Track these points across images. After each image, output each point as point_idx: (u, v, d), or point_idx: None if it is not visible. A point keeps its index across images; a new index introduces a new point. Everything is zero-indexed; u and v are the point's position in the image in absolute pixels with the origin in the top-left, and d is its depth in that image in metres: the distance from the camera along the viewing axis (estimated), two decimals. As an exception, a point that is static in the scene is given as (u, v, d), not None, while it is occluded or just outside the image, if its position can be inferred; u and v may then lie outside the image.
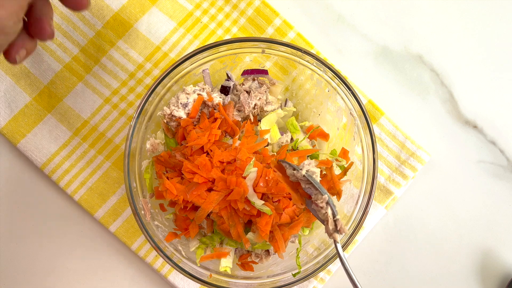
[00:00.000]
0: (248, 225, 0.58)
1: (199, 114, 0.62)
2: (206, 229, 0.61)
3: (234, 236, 0.57)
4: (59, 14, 0.69)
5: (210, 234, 0.61)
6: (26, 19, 0.47)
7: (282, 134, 0.64)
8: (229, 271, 0.60)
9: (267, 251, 0.63)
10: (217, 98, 0.62)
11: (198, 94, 0.61)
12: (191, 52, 0.59)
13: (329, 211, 0.52)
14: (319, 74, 0.62)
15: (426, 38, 0.72)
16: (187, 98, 0.60)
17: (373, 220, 0.70)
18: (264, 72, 0.65)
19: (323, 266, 0.59)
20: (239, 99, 0.63)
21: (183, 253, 0.61)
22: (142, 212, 0.60)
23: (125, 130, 0.70)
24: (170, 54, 0.70)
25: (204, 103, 0.62)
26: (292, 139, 0.65)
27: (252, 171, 0.55)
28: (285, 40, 0.70)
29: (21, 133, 0.68)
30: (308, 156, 0.62)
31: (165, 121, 0.61)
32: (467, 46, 0.73)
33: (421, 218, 0.71)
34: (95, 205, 0.69)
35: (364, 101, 0.70)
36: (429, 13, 0.73)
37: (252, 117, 0.63)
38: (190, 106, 0.60)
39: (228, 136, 0.61)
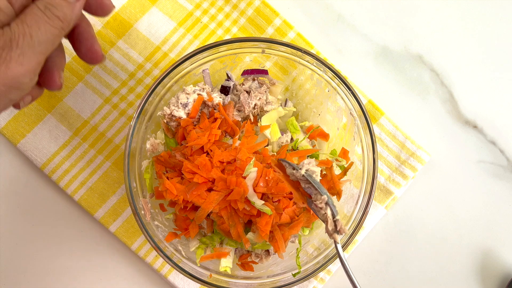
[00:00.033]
0: (248, 225, 0.58)
1: (199, 114, 0.62)
2: (206, 229, 0.61)
3: (234, 236, 0.57)
4: (59, 14, 0.69)
5: (210, 234, 0.61)
6: None
7: (282, 134, 0.64)
8: (229, 271, 0.60)
9: (267, 251, 0.63)
10: (217, 98, 0.62)
11: (198, 94, 0.61)
12: (191, 52, 0.59)
13: (329, 212, 0.51)
14: (319, 74, 0.62)
15: (426, 38, 0.72)
16: (187, 98, 0.60)
17: (373, 220, 0.70)
18: (264, 72, 0.65)
19: (323, 266, 0.59)
20: (239, 99, 0.63)
21: (183, 253, 0.61)
22: (142, 212, 0.60)
23: (125, 130, 0.70)
24: (170, 54, 0.70)
25: (204, 103, 0.62)
26: (292, 139, 0.65)
27: (252, 171, 0.55)
28: (285, 40, 0.70)
29: (21, 133, 0.68)
30: (308, 156, 0.62)
31: (165, 121, 0.61)
32: (467, 46, 0.73)
33: (421, 218, 0.71)
34: (95, 205, 0.69)
35: (364, 101, 0.70)
36: (429, 13, 0.73)
37: (252, 117, 0.63)
38: (190, 106, 0.60)
39: (228, 136, 0.61)
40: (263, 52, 0.61)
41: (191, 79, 0.63)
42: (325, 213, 0.51)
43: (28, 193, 0.70)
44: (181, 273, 0.58)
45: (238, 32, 0.71)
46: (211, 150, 0.57)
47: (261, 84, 0.64)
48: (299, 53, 0.60)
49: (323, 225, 0.64)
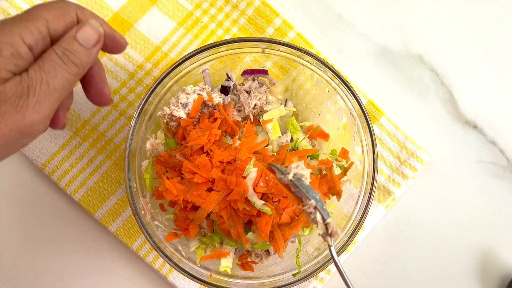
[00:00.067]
0: (248, 225, 0.58)
1: (199, 114, 0.62)
2: (206, 229, 0.61)
3: (234, 236, 0.57)
4: (59, 14, 0.69)
5: (210, 234, 0.61)
6: None
7: (282, 134, 0.64)
8: (229, 271, 0.60)
9: (267, 251, 0.63)
10: (217, 98, 0.62)
11: (198, 94, 0.61)
12: (191, 52, 0.59)
13: (318, 216, 0.50)
14: (319, 74, 0.62)
15: (426, 38, 0.72)
16: (187, 98, 0.60)
17: (373, 220, 0.70)
18: (264, 72, 0.65)
19: (323, 266, 0.59)
20: (239, 99, 0.63)
21: (183, 253, 0.61)
22: (142, 212, 0.60)
23: (125, 130, 0.70)
24: (170, 54, 0.70)
25: (204, 103, 0.62)
26: (292, 139, 0.65)
27: (252, 171, 0.55)
28: (285, 40, 0.70)
29: (21, 133, 0.68)
30: (308, 156, 0.62)
31: (165, 121, 0.61)
32: (467, 46, 0.73)
33: (421, 218, 0.71)
34: (95, 205, 0.69)
35: (364, 101, 0.70)
36: (429, 13, 0.73)
37: (252, 117, 0.63)
38: (190, 106, 0.60)
39: (228, 136, 0.61)
40: (263, 52, 0.61)
41: (191, 79, 0.63)
42: (315, 217, 0.50)
43: (28, 193, 0.70)
44: (181, 273, 0.58)
45: (238, 32, 0.71)
46: (211, 150, 0.57)
47: (261, 84, 0.64)
48: (299, 53, 0.60)
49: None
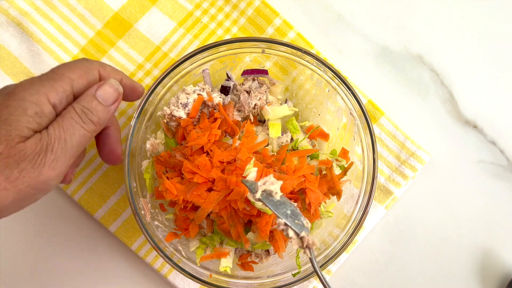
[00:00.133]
0: (248, 225, 0.58)
1: (199, 114, 0.62)
2: (206, 229, 0.61)
3: (234, 236, 0.57)
4: (59, 14, 0.69)
5: (210, 234, 0.61)
6: None
7: (282, 134, 0.64)
8: (229, 271, 0.60)
9: (267, 251, 0.63)
10: (217, 98, 0.62)
11: (198, 94, 0.61)
12: (191, 52, 0.59)
13: (290, 232, 0.48)
14: (319, 74, 0.62)
15: (426, 38, 0.72)
16: (187, 98, 0.60)
17: (373, 220, 0.70)
18: (264, 72, 0.65)
19: (323, 266, 0.59)
20: (239, 99, 0.63)
21: (183, 253, 0.61)
22: (142, 212, 0.60)
23: (125, 130, 0.69)
24: (170, 54, 0.70)
25: (204, 103, 0.62)
26: (292, 139, 0.65)
27: (252, 171, 0.55)
28: (285, 40, 0.70)
29: (21, 133, 0.68)
30: (308, 156, 0.62)
31: (165, 121, 0.61)
32: (467, 46, 0.73)
33: (421, 218, 0.71)
34: (95, 205, 0.69)
35: (364, 101, 0.70)
36: (429, 13, 0.73)
37: (252, 117, 0.63)
38: (190, 106, 0.60)
39: (228, 136, 0.61)
40: (263, 52, 0.61)
41: (191, 79, 0.63)
42: (287, 233, 0.48)
43: (28, 193, 0.70)
44: (181, 273, 0.58)
45: (238, 32, 0.71)
46: (211, 150, 0.57)
47: (261, 84, 0.64)
48: (299, 53, 0.60)
49: (323, 225, 0.64)
